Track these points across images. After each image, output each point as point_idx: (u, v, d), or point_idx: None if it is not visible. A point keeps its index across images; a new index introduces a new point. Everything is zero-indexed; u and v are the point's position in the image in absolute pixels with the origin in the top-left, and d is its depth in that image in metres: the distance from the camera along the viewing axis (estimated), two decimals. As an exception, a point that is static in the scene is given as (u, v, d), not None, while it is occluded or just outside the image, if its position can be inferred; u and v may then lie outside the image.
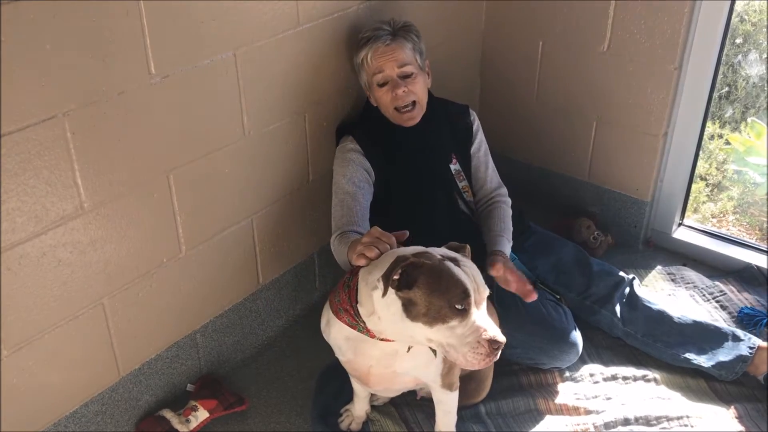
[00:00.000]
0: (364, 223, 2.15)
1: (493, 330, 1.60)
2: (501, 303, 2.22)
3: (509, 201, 2.44)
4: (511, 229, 2.35)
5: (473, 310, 1.59)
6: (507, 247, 2.26)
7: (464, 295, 1.58)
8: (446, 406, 2.00)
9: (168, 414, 2.17)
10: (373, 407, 2.24)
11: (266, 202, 2.33)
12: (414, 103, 2.25)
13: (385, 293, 1.59)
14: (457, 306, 1.57)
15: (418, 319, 1.60)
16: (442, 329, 1.59)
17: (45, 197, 1.73)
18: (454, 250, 1.70)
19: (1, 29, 1.52)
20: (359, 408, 2.18)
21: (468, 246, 1.74)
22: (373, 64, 2.21)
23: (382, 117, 2.33)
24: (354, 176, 2.23)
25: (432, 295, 1.58)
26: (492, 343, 1.59)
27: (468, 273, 1.61)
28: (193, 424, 2.16)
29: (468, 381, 2.15)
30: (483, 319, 1.60)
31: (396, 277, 1.58)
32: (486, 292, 1.64)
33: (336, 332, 1.86)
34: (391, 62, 2.20)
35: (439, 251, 1.67)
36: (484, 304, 1.64)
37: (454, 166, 2.40)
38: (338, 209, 2.20)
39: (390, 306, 1.63)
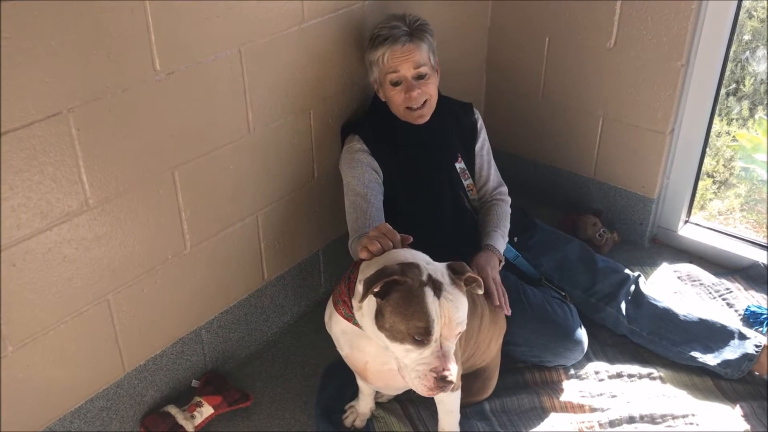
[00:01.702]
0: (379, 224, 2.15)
1: (446, 370, 1.57)
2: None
3: (509, 200, 2.44)
4: (508, 226, 2.35)
5: (432, 344, 1.57)
6: (500, 242, 2.26)
7: (425, 331, 1.56)
8: (448, 405, 2.00)
9: (173, 410, 2.17)
10: (377, 404, 2.24)
11: (271, 198, 2.33)
12: (425, 102, 2.26)
13: (362, 299, 1.61)
14: (415, 337, 1.57)
15: (382, 330, 1.61)
16: (399, 348, 1.60)
17: (50, 193, 1.73)
18: (455, 270, 1.65)
19: (5, 26, 1.52)
20: (364, 405, 2.18)
21: (475, 277, 1.68)
22: (389, 64, 2.21)
23: (389, 114, 2.33)
24: (363, 177, 2.23)
25: (396, 316, 1.57)
26: (439, 380, 1.58)
27: (443, 307, 1.57)
28: (198, 420, 2.17)
29: (473, 379, 2.15)
30: (440, 354, 1.58)
31: (376, 289, 1.58)
32: (459, 329, 1.60)
33: (335, 325, 1.88)
34: (407, 63, 2.19)
35: (430, 270, 1.62)
36: (454, 339, 1.61)
37: (460, 165, 2.40)
38: (352, 212, 2.21)
39: (369, 305, 1.64)
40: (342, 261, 2.63)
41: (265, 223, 2.34)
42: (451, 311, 1.58)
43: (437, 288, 1.59)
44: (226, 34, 1.98)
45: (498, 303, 2.08)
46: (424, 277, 1.60)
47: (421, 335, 1.56)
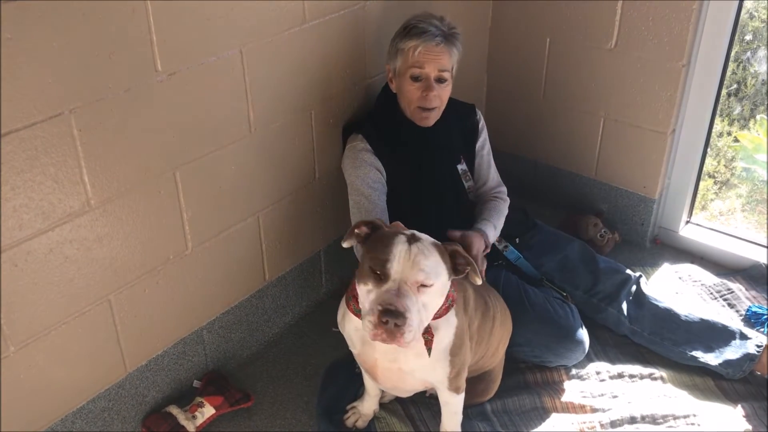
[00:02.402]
0: None
1: (393, 305, 1.56)
2: (507, 301, 2.22)
3: (508, 200, 2.44)
4: (501, 222, 2.35)
5: (389, 282, 1.60)
6: (490, 229, 2.26)
7: (381, 262, 1.60)
8: (453, 407, 2.00)
9: (174, 410, 2.17)
10: (379, 404, 2.24)
11: (272, 199, 2.33)
12: (435, 107, 2.26)
13: (344, 240, 1.74)
14: (375, 269, 1.61)
15: (358, 279, 1.68)
16: (363, 291, 1.64)
17: (52, 194, 1.73)
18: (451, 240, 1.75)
19: (6, 27, 1.52)
20: (368, 406, 2.18)
21: (467, 259, 1.72)
22: (418, 58, 2.18)
23: (394, 113, 2.32)
24: (367, 177, 2.23)
25: (365, 254, 1.67)
26: (383, 313, 1.56)
27: (412, 252, 1.61)
28: (199, 421, 2.17)
29: (477, 382, 2.15)
30: (396, 293, 1.58)
31: (357, 231, 1.73)
32: (421, 277, 1.60)
33: (347, 323, 1.90)
34: (434, 63, 2.18)
35: (413, 231, 1.71)
36: (415, 288, 1.60)
37: (462, 166, 2.40)
38: (356, 212, 2.22)
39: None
40: (343, 261, 2.64)
41: (267, 224, 2.34)
42: (418, 257, 1.61)
43: (414, 239, 1.65)
44: (227, 35, 1.98)
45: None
46: (407, 232, 1.68)
47: (377, 266, 1.60)
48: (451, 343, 1.82)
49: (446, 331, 1.81)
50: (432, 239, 1.71)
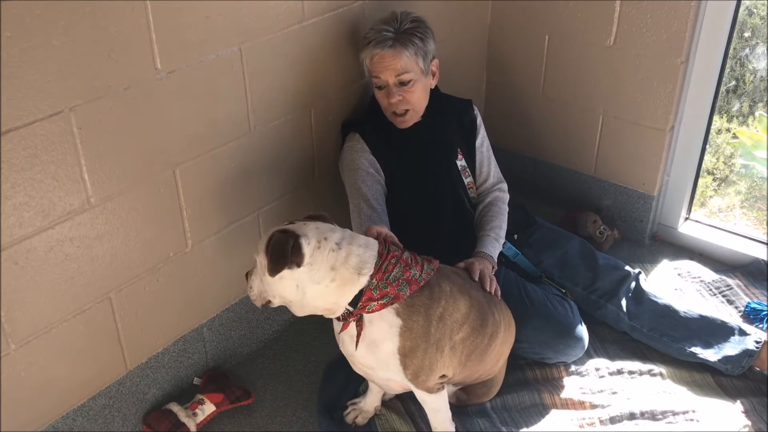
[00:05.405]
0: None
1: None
2: (507, 298, 2.22)
3: (507, 197, 2.44)
4: (504, 226, 2.35)
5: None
6: (491, 246, 2.26)
7: None
8: (431, 405, 1.99)
9: (175, 407, 2.18)
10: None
11: (272, 196, 2.33)
12: (408, 109, 2.25)
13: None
14: None
15: None
16: None
17: (52, 192, 1.74)
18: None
19: (6, 25, 1.53)
20: (371, 402, 2.18)
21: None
22: (372, 68, 2.21)
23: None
24: (366, 180, 2.23)
25: None
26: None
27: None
28: (200, 418, 2.18)
29: (479, 385, 2.15)
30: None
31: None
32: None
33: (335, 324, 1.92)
34: (389, 70, 2.17)
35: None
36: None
37: (461, 162, 2.40)
38: (356, 216, 2.21)
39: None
40: (343, 259, 2.62)
41: (267, 221, 2.34)
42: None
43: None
44: (226, 33, 1.99)
45: (489, 290, 2.06)
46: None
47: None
48: (399, 344, 1.80)
49: (380, 327, 1.79)
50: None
